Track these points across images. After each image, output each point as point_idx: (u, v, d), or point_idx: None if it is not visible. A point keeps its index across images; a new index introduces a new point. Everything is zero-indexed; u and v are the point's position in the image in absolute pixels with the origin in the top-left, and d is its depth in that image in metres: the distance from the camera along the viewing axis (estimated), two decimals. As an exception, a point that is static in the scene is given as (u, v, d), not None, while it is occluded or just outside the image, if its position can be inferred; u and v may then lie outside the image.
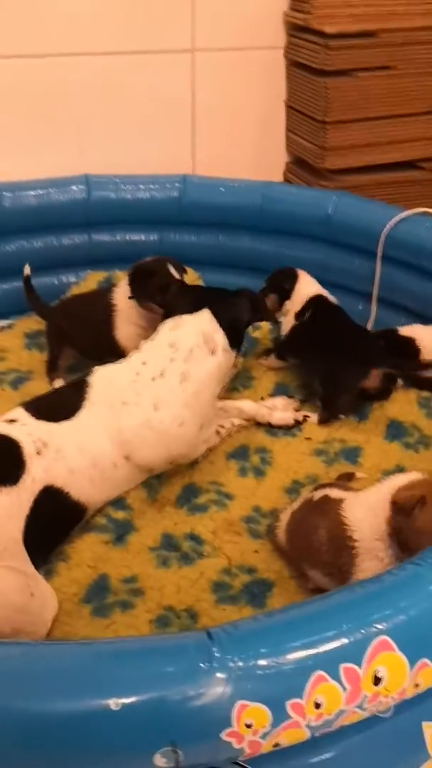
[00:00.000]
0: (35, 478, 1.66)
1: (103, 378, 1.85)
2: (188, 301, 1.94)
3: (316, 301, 2.25)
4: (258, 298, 2.10)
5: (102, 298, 2.32)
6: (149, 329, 2.22)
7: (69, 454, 1.72)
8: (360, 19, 2.73)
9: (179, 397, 1.82)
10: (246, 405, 2.10)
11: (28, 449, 1.68)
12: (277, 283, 2.31)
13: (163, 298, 2.02)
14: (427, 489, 1.44)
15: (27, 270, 2.48)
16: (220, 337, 1.89)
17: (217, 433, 2.03)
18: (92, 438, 1.77)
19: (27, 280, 2.49)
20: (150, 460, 1.83)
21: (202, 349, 1.86)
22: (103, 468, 1.77)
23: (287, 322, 2.27)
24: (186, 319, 1.90)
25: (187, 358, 1.84)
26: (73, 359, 2.38)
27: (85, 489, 1.74)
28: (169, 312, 1.95)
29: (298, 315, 2.24)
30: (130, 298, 2.20)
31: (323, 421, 2.11)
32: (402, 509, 1.44)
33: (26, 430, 1.72)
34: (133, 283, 2.21)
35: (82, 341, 2.34)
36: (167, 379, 1.83)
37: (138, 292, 2.18)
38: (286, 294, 2.28)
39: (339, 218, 2.53)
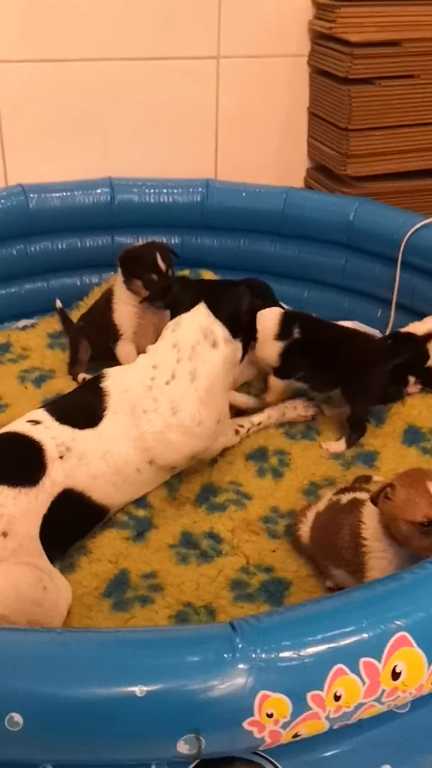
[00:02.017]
0: (55, 480, 1.68)
1: (118, 385, 1.86)
2: (189, 297, 1.94)
3: (291, 318, 2.14)
4: (259, 284, 2.06)
5: (108, 289, 2.46)
6: (146, 311, 2.33)
7: (92, 461, 1.75)
8: (384, 28, 2.75)
9: (194, 397, 1.84)
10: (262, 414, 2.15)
11: (50, 452, 1.71)
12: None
13: (170, 298, 2.03)
14: (399, 479, 1.47)
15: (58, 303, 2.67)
16: (219, 329, 1.87)
17: (237, 432, 2.06)
18: (116, 446, 1.78)
19: (61, 312, 2.66)
20: (173, 461, 1.86)
21: (204, 344, 1.86)
22: (127, 474, 1.80)
23: (269, 347, 2.12)
24: (183, 317, 1.91)
25: (191, 356, 1.85)
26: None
27: (107, 493, 1.77)
28: (174, 311, 1.97)
29: (281, 335, 2.11)
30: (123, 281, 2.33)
31: (352, 444, 2.08)
32: (373, 503, 1.49)
33: (50, 433, 1.74)
34: (122, 267, 2.33)
35: (92, 332, 2.43)
36: (179, 381, 1.84)
37: (126, 275, 2.31)
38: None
39: (360, 225, 2.55)
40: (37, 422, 1.77)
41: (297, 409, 2.17)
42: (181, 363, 1.85)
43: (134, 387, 1.85)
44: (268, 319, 2.10)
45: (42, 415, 1.79)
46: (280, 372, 2.15)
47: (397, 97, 2.80)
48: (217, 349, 1.87)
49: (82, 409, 1.84)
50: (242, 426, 2.08)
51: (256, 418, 2.12)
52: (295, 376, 2.16)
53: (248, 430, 2.09)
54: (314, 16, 2.94)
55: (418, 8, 2.80)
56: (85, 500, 1.74)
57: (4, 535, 1.56)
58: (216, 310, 1.90)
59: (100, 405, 1.82)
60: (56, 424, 1.76)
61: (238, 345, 1.93)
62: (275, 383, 2.17)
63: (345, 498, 1.65)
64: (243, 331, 1.96)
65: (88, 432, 1.77)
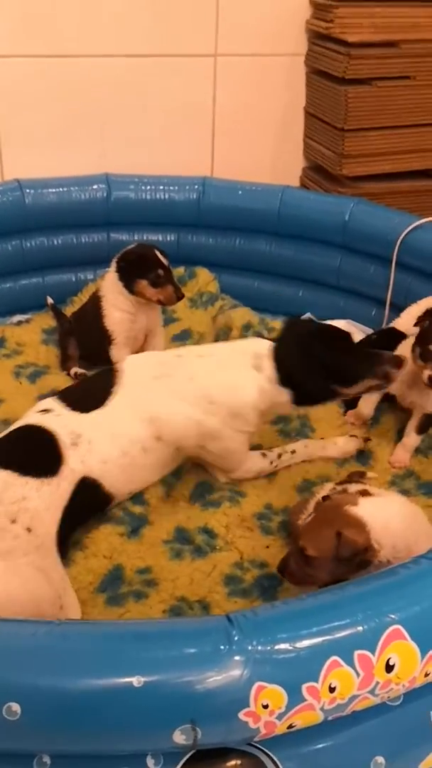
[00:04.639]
0: (74, 469, 1.69)
1: (134, 362, 1.90)
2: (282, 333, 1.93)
3: None
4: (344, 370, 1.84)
5: (94, 294, 2.44)
6: (137, 315, 2.32)
7: (101, 445, 1.74)
8: (382, 29, 2.77)
9: (215, 377, 1.84)
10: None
11: (64, 440, 1.71)
12: None
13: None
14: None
15: (49, 300, 2.68)
16: (267, 364, 1.84)
17: (264, 455, 1.98)
18: (123, 423, 1.79)
19: (53, 307, 2.66)
20: (180, 434, 1.82)
21: (248, 358, 1.85)
22: (133, 455, 1.79)
23: None
24: (253, 339, 2.01)
25: (233, 350, 1.91)
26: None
27: (116, 479, 1.77)
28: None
29: None
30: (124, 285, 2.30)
31: None
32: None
33: (61, 421, 1.75)
34: (123, 271, 2.30)
35: (82, 337, 2.44)
36: (214, 359, 1.88)
37: (128, 279, 2.28)
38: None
39: (355, 225, 2.57)
40: (47, 411, 1.78)
41: (338, 445, 2.06)
42: (223, 348, 1.93)
43: (151, 361, 1.89)
44: None
45: (52, 403, 1.80)
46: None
47: (394, 97, 2.82)
48: (258, 373, 1.84)
49: (91, 391, 1.86)
50: (271, 450, 2.00)
51: (290, 446, 2.02)
52: None
53: (279, 455, 1.99)
54: (312, 15, 2.95)
55: (416, 9, 2.82)
56: (96, 489, 1.73)
57: (29, 530, 1.55)
58: (277, 353, 1.85)
59: (111, 383, 1.84)
60: (66, 410, 1.78)
61: (281, 390, 1.84)
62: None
63: (351, 488, 1.66)
64: (293, 384, 1.84)
65: (95, 414, 1.78)
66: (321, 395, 1.88)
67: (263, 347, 1.87)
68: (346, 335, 1.89)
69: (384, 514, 1.48)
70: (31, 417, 1.79)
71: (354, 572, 1.43)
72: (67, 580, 1.61)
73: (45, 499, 1.61)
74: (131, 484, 1.83)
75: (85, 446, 1.73)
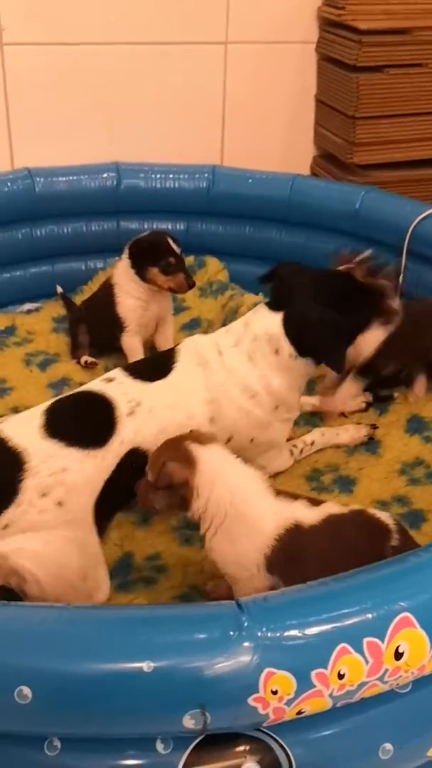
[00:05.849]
0: (124, 440, 1.65)
1: (190, 342, 1.87)
2: (287, 289, 1.83)
3: None
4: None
5: (105, 281, 2.45)
6: (150, 303, 2.33)
7: (160, 413, 1.70)
8: (393, 16, 2.75)
9: (248, 373, 1.79)
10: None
11: (121, 409, 1.68)
12: None
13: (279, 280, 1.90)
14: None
15: (59, 289, 2.69)
16: (285, 345, 1.78)
17: (291, 453, 1.98)
18: (183, 396, 1.75)
19: (63, 296, 2.67)
20: (231, 422, 1.79)
21: (264, 344, 1.79)
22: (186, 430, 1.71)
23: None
24: (262, 312, 1.84)
25: (252, 341, 1.80)
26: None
27: None
28: (276, 294, 1.88)
29: None
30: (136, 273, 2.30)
31: None
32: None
33: (122, 389, 1.73)
34: (135, 258, 2.30)
35: (93, 325, 2.44)
36: (240, 349, 1.80)
37: (140, 265, 2.28)
38: None
39: (366, 213, 2.55)
40: (111, 380, 1.76)
41: (349, 431, 2.08)
42: (245, 338, 1.81)
43: (204, 342, 1.85)
44: None
45: (116, 372, 1.79)
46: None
47: (405, 85, 2.80)
48: (278, 356, 1.79)
49: (154, 365, 1.86)
50: (296, 446, 2.00)
51: (309, 438, 2.03)
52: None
53: (301, 450, 2.00)
54: (323, 2, 2.93)
55: (428, -4, 2.80)
56: (145, 461, 1.66)
57: (59, 504, 1.52)
58: (287, 323, 1.79)
59: (172, 359, 1.82)
60: (129, 379, 1.75)
61: (304, 361, 1.80)
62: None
63: None
64: (313, 350, 1.80)
65: (158, 383, 1.76)
66: (340, 356, 1.81)
67: (275, 325, 1.78)
68: (344, 277, 1.85)
69: (223, 471, 1.43)
70: (95, 384, 1.77)
71: (178, 509, 1.44)
72: (100, 554, 1.60)
73: (87, 471, 1.57)
74: None
75: (143, 415, 1.68)
